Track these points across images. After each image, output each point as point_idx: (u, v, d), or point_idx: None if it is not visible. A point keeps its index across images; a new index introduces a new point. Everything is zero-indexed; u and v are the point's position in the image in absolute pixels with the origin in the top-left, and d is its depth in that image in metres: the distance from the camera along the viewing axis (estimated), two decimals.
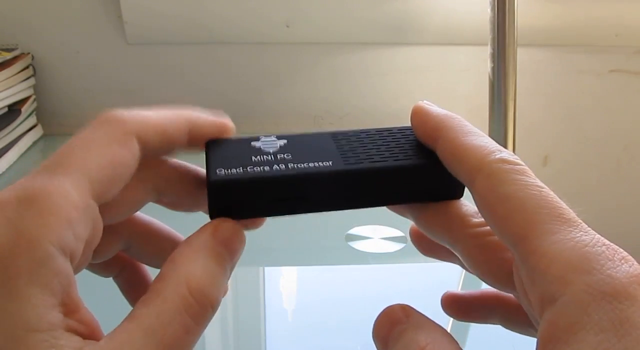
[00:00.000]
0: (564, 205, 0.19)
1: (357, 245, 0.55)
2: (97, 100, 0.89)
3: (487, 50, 0.70)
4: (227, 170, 0.23)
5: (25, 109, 0.79)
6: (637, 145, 0.98)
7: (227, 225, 0.22)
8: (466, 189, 0.22)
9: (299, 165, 0.23)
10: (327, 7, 0.84)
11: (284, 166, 0.23)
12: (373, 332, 0.22)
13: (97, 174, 0.20)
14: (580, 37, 0.90)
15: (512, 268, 0.21)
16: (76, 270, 0.20)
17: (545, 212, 0.18)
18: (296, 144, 0.25)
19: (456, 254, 0.24)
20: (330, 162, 0.23)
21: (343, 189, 0.23)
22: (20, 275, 0.17)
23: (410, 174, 0.24)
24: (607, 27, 0.90)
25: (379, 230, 0.57)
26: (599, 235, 0.18)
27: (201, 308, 0.20)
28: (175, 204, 0.26)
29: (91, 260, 0.24)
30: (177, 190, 0.25)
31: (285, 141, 0.25)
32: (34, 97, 0.83)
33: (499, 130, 0.71)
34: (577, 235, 0.18)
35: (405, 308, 0.22)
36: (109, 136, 0.21)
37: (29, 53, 0.83)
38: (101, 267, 0.26)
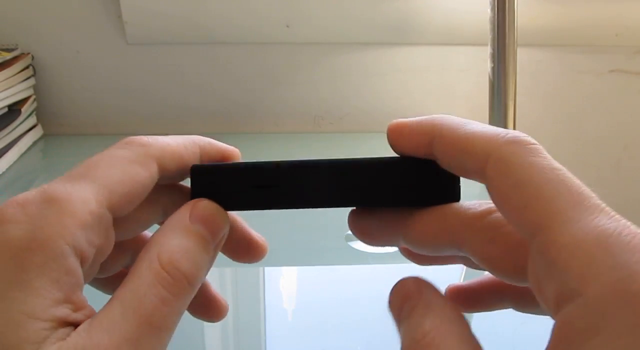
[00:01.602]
0: (585, 188, 0.18)
1: (357, 245, 0.55)
2: (97, 100, 0.89)
3: (487, 50, 0.70)
4: (211, 163, 0.25)
5: (25, 109, 0.79)
6: (637, 145, 0.98)
7: (204, 203, 0.23)
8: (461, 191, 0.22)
9: (282, 163, 0.23)
10: (327, 7, 0.84)
11: (266, 162, 0.23)
12: (388, 303, 0.22)
13: (117, 187, 0.21)
14: (580, 37, 0.90)
15: (528, 261, 0.19)
16: (85, 277, 0.21)
17: (564, 199, 0.17)
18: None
19: (465, 255, 0.22)
20: (315, 160, 0.23)
21: (325, 181, 0.23)
22: (33, 268, 0.18)
23: (400, 169, 0.23)
24: (607, 27, 0.90)
25: None
26: (626, 221, 0.16)
27: (175, 281, 0.20)
28: None
29: (98, 274, 0.24)
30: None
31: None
32: (34, 97, 0.83)
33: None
34: (601, 223, 0.16)
35: (418, 282, 0.21)
36: (132, 156, 0.22)
37: (29, 53, 0.83)
38: (104, 283, 0.27)
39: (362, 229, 0.25)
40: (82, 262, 0.20)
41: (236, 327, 0.47)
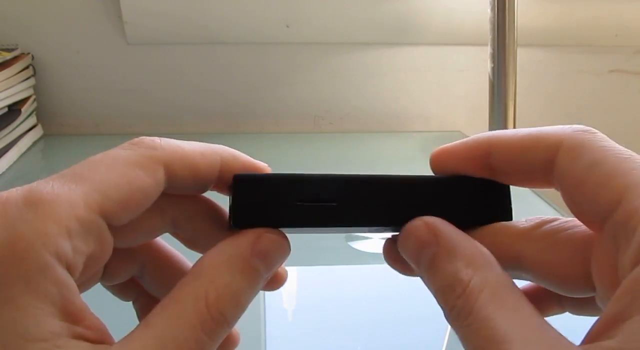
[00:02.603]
0: None
1: (357, 245, 0.55)
2: (97, 100, 0.89)
3: (487, 50, 0.70)
4: (255, 173, 0.22)
5: (25, 109, 0.79)
6: (637, 145, 0.98)
7: (272, 237, 0.21)
8: None
9: (336, 176, 0.21)
10: (327, 7, 0.84)
11: (318, 175, 0.21)
12: (399, 248, 0.21)
13: (112, 192, 0.19)
14: (580, 37, 0.90)
15: (591, 260, 0.19)
16: (83, 285, 0.20)
17: None
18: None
19: (519, 271, 0.21)
20: (369, 176, 0.22)
21: (381, 198, 0.21)
22: (17, 284, 0.16)
23: (458, 187, 0.22)
24: (607, 27, 0.90)
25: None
26: None
27: (217, 326, 0.19)
28: (189, 242, 0.25)
29: (103, 281, 0.23)
30: (195, 228, 0.24)
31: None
32: (34, 97, 0.83)
33: (499, 130, 0.71)
34: None
35: (430, 226, 0.20)
36: (135, 159, 0.20)
37: (29, 53, 0.83)
38: (118, 290, 0.25)
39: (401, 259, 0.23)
40: (70, 270, 0.18)
41: (236, 327, 0.47)
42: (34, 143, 0.82)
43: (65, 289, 0.17)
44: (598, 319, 0.17)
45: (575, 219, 0.20)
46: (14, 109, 0.77)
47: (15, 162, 0.75)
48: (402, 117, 0.92)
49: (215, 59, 0.88)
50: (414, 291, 0.50)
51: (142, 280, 0.25)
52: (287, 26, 0.85)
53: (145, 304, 0.26)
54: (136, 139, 0.21)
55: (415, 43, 0.89)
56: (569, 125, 0.20)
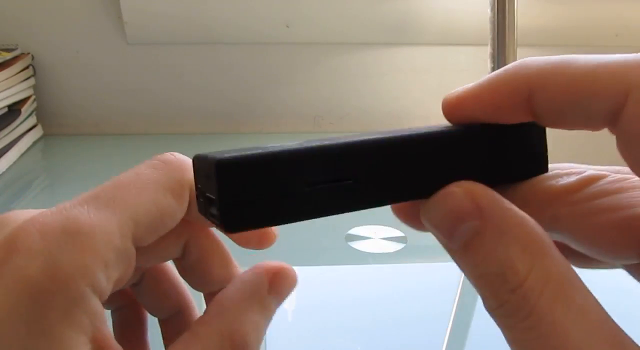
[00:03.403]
0: None
1: (357, 245, 0.55)
2: (97, 100, 0.89)
3: (487, 50, 0.70)
4: (240, 153, 0.16)
5: (25, 109, 0.79)
6: None
7: (288, 272, 0.21)
8: None
9: (335, 141, 0.17)
10: (327, 7, 0.84)
11: (315, 143, 0.17)
12: (424, 221, 0.17)
13: (144, 219, 0.19)
14: (580, 37, 0.90)
15: None
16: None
17: None
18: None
19: (563, 233, 0.18)
20: (378, 135, 0.17)
21: (403, 163, 0.17)
22: (55, 314, 0.17)
23: (487, 139, 0.18)
24: (607, 27, 0.90)
25: (379, 230, 0.57)
26: None
27: None
28: (187, 271, 0.24)
29: None
30: (201, 258, 0.23)
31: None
32: (34, 97, 0.83)
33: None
34: None
35: (473, 194, 0.16)
36: (166, 182, 0.20)
37: (29, 53, 0.83)
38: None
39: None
40: (100, 298, 0.18)
41: None
42: (34, 143, 0.82)
43: (96, 319, 0.17)
44: None
45: (630, 175, 0.17)
46: (14, 109, 0.77)
47: (15, 162, 0.75)
48: (402, 117, 0.92)
49: (215, 59, 0.88)
50: (414, 291, 0.50)
51: (137, 288, 0.25)
52: (287, 26, 0.85)
53: (126, 314, 0.25)
54: (164, 157, 0.21)
55: (415, 43, 0.89)
56: (638, 56, 0.16)
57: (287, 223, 0.17)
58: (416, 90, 0.92)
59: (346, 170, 0.17)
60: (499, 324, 0.15)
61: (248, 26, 0.85)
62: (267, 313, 0.20)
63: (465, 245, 0.16)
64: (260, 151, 0.16)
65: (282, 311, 0.48)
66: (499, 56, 0.70)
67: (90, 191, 0.19)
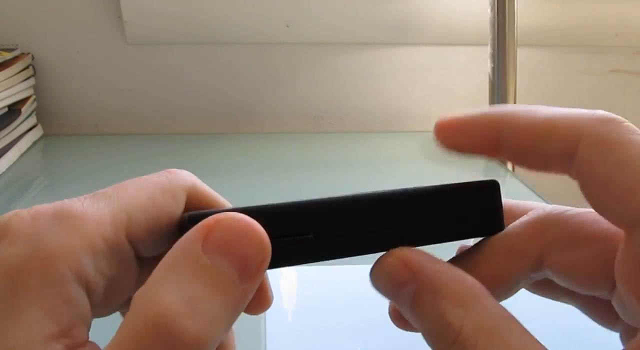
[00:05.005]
0: None
1: None
2: (97, 100, 0.89)
3: (487, 50, 0.70)
4: (208, 211, 0.18)
5: (25, 109, 0.79)
6: None
7: (232, 219, 0.16)
8: None
9: (314, 203, 0.19)
10: (327, 7, 0.84)
11: (294, 203, 0.18)
12: (375, 290, 0.19)
13: (140, 215, 0.18)
14: (580, 37, 0.90)
15: (617, 260, 0.18)
16: (99, 311, 0.18)
17: None
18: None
19: (541, 273, 0.20)
20: (352, 196, 0.19)
21: (359, 222, 0.19)
22: (26, 294, 0.15)
23: (447, 197, 0.20)
24: (607, 27, 0.90)
25: None
26: None
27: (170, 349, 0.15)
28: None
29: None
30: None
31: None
32: (34, 97, 0.83)
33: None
34: None
35: (405, 261, 0.18)
36: (165, 184, 0.20)
37: (29, 53, 0.83)
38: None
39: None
40: (89, 292, 0.17)
41: (236, 327, 0.47)
42: (34, 143, 0.82)
43: (74, 309, 0.16)
44: (635, 339, 0.16)
45: (590, 210, 0.19)
46: (14, 109, 0.77)
47: (15, 162, 0.75)
48: (402, 117, 0.92)
49: (215, 59, 0.88)
50: None
51: None
52: (287, 26, 0.85)
53: None
54: (168, 170, 0.21)
55: (415, 43, 0.89)
56: (590, 111, 0.17)
57: None
58: (416, 90, 0.92)
59: (305, 226, 0.18)
60: None
61: (248, 26, 0.85)
62: (208, 277, 0.16)
63: (410, 308, 0.18)
64: (223, 210, 0.17)
65: (282, 311, 0.48)
66: (499, 56, 0.70)
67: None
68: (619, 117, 0.17)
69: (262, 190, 0.67)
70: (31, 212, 0.17)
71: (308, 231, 0.18)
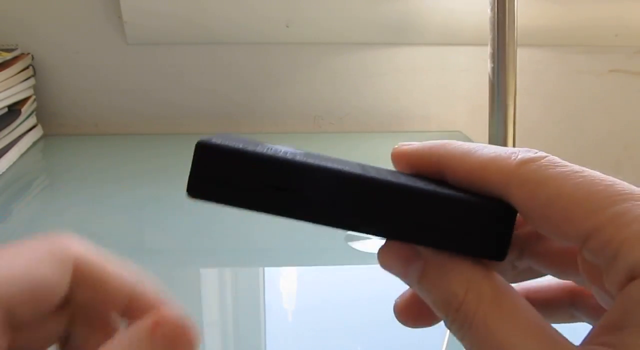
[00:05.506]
0: (615, 180, 0.18)
1: (357, 245, 0.55)
2: (97, 100, 0.89)
3: (487, 50, 0.70)
4: (223, 141, 0.19)
5: (25, 109, 0.79)
6: (637, 145, 0.98)
7: (171, 320, 0.18)
8: None
9: (309, 160, 0.19)
10: (327, 7, 0.84)
11: (291, 156, 0.19)
12: (382, 266, 0.20)
13: (15, 281, 0.18)
14: (580, 37, 0.90)
15: (577, 258, 0.19)
16: None
17: (602, 197, 0.17)
18: (314, 154, 0.20)
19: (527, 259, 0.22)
20: (347, 168, 0.19)
21: (362, 199, 0.19)
22: None
23: (454, 207, 0.19)
24: (607, 27, 0.90)
25: None
26: None
27: None
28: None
29: None
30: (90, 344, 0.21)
31: (302, 151, 0.20)
32: (34, 97, 0.83)
33: (499, 130, 0.71)
34: None
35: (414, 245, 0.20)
36: (52, 249, 0.19)
37: (29, 53, 0.83)
38: None
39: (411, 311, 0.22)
40: None
41: (236, 327, 0.47)
42: (34, 143, 0.82)
43: None
44: (594, 326, 0.17)
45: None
46: (14, 109, 0.77)
47: (15, 162, 0.75)
48: (402, 117, 0.92)
49: (215, 59, 0.88)
50: None
51: (70, 340, 0.22)
52: (287, 26, 0.85)
53: None
54: (50, 237, 0.20)
55: (415, 43, 0.89)
56: (513, 155, 0.19)
57: (237, 207, 0.19)
58: (416, 90, 0.92)
59: (306, 186, 0.19)
60: (456, 337, 0.19)
61: (248, 26, 0.85)
62: None
63: (418, 281, 0.19)
64: (239, 146, 0.19)
65: (282, 311, 0.48)
66: (499, 56, 0.70)
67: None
68: (539, 153, 0.19)
69: None
70: None
71: (306, 192, 0.19)
